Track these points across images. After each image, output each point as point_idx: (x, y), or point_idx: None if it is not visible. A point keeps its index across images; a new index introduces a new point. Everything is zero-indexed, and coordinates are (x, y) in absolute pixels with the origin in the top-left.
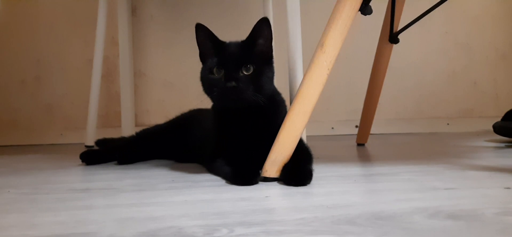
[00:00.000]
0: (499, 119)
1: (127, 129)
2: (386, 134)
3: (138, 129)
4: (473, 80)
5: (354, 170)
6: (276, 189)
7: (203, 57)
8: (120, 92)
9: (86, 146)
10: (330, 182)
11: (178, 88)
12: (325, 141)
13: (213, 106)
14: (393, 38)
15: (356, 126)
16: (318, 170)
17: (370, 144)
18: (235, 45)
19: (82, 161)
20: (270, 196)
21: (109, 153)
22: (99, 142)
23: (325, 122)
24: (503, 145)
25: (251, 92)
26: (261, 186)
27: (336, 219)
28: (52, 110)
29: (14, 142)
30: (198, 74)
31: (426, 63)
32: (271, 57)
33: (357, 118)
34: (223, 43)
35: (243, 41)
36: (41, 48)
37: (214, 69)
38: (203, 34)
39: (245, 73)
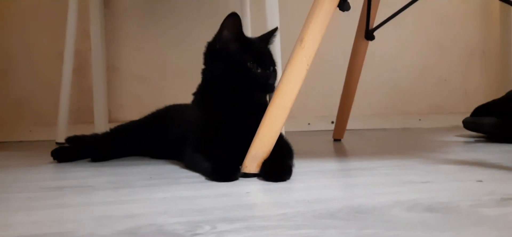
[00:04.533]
0: (468, 115)
1: (100, 125)
2: (361, 129)
3: (112, 125)
4: (444, 77)
5: (333, 165)
6: (257, 184)
7: (222, 47)
8: (92, 87)
9: (57, 143)
10: (310, 177)
11: (154, 83)
12: (302, 137)
13: (202, 100)
14: (369, 35)
15: (332, 122)
16: (297, 165)
17: (346, 139)
18: (260, 43)
19: (54, 159)
20: (251, 192)
21: (82, 150)
22: (69, 139)
23: (301, 117)
24: (472, 139)
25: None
26: (242, 182)
27: (317, 214)
28: (21, 105)
29: None
30: (176, 68)
31: (399, 60)
32: None
33: (332, 114)
34: (249, 38)
35: (263, 39)
36: (9, 41)
37: (249, 64)
38: (235, 25)
39: (273, 73)
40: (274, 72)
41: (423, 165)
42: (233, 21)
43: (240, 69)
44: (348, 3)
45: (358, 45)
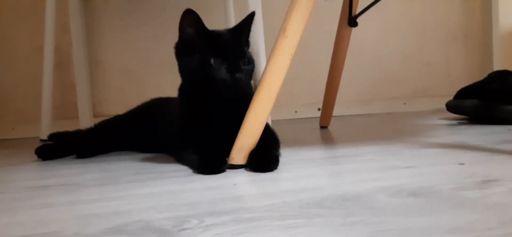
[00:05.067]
0: (451, 98)
1: (85, 120)
2: (347, 115)
3: (97, 120)
4: (427, 61)
5: (319, 153)
6: (244, 176)
7: (187, 47)
8: (75, 82)
9: (41, 140)
10: (297, 166)
11: (137, 76)
12: (289, 125)
13: (183, 94)
14: (352, 21)
15: (319, 109)
16: (284, 154)
17: (332, 126)
18: (228, 35)
19: (38, 157)
20: (238, 184)
21: (67, 146)
22: (52, 136)
23: (288, 105)
24: (455, 122)
25: (248, 84)
26: (229, 173)
27: (304, 203)
28: (2, 103)
29: None
30: (160, 60)
31: (383, 46)
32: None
33: (319, 101)
34: (213, 31)
35: (233, 31)
36: None
37: (212, 60)
38: (193, 22)
39: (243, 65)
40: (247, 65)
41: (407, 150)
42: (191, 17)
43: (203, 67)
44: None
45: (342, 32)
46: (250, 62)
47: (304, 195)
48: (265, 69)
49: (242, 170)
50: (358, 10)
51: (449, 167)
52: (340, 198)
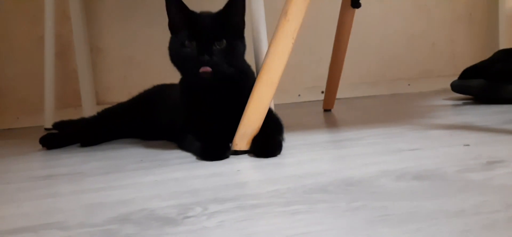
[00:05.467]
0: (456, 78)
1: (88, 108)
2: (351, 97)
3: (100, 108)
4: (432, 41)
5: (322, 137)
6: (247, 162)
7: (173, 27)
8: (77, 70)
9: (46, 129)
10: (300, 151)
11: (140, 63)
12: (293, 109)
13: (181, 81)
14: (355, 2)
15: (322, 92)
16: (288, 139)
17: (336, 109)
18: (207, 17)
19: (43, 146)
20: (241, 170)
21: (71, 135)
22: (57, 125)
23: (291, 89)
24: (460, 102)
25: (224, 66)
26: (232, 160)
27: (308, 189)
28: (4, 93)
29: None
30: (162, 46)
31: (387, 27)
32: (243, 31)
33: (322, 84)
34: (194, 14)
35: (216, 14)
36: None
37: (186, 42)
38: (173, 3)
39: (218, 47)
40: (223, 48)
41: (411, 132)
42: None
43: (178, 48)
44: None
45: (345, 13)
46: (231, 45)
47: (307, 180)
48: (267, 53)
49: (246, 156)
50: None
51: (454, 149)
52: (344, 183)
